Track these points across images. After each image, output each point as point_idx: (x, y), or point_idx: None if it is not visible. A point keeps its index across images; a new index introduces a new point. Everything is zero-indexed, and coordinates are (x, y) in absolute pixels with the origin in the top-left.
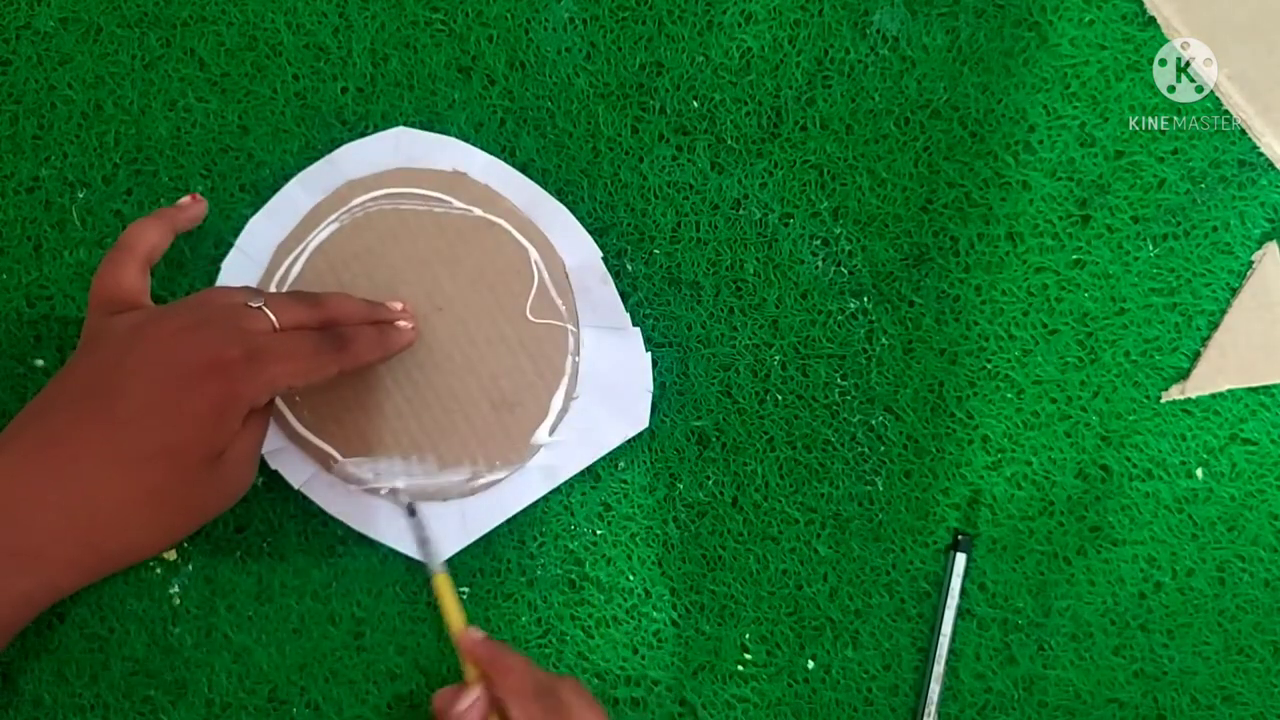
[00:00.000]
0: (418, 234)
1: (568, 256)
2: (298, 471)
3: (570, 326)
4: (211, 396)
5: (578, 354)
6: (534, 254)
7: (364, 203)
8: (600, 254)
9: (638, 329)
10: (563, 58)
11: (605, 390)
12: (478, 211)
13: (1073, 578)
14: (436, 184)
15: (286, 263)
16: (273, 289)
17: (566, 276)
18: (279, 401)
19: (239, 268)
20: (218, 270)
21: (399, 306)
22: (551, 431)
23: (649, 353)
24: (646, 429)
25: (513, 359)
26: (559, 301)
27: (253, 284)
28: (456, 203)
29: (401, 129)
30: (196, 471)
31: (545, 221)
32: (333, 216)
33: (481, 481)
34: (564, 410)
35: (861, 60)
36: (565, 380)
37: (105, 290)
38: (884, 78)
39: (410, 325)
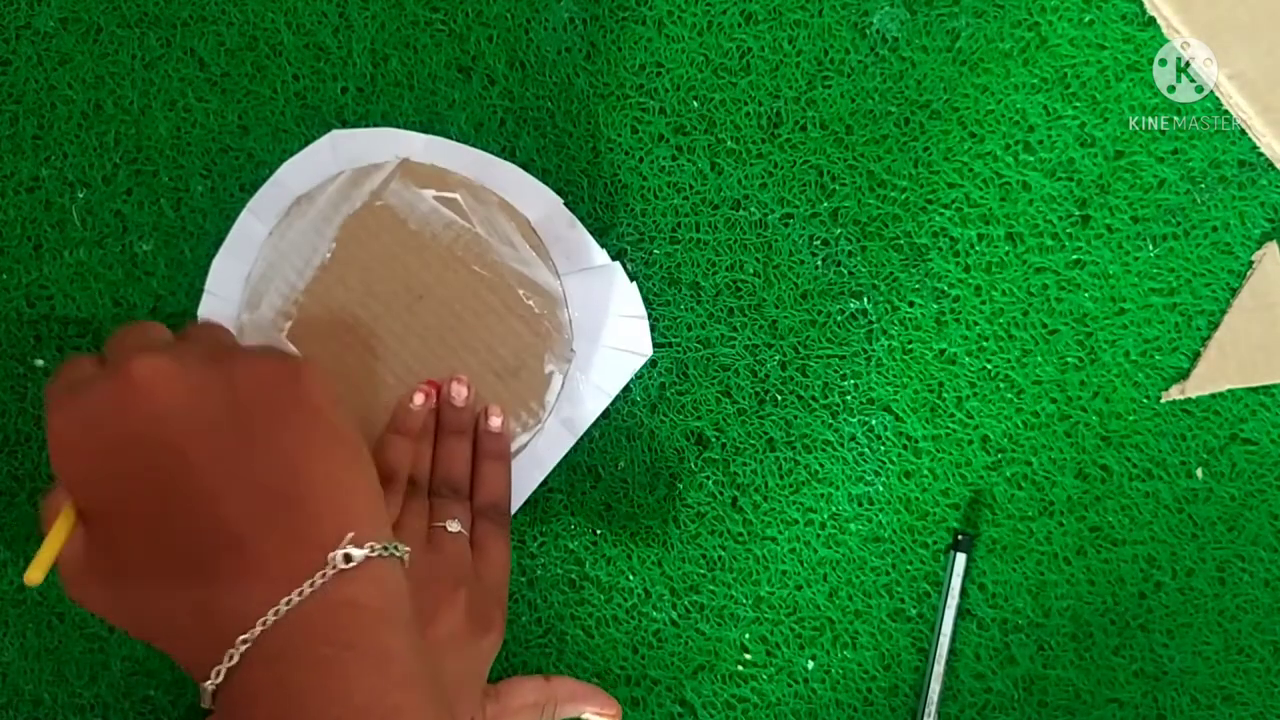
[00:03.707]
0: (378, 231)
1: (529, 211)
2: None
3: (552, 278)
4: None
5: (567, 303)
6: (498, 218)
7: (317, 219)
8: (561, 200)
9: (616, 263)
10: (563, 58)
11: (603, 330)
12: (431, 193)
13: (1073, 578)
14: (383, 178)
15: (267, 298)
16: (245, 316)
17: (534, 231)
18: None
19: (213, 312)
20: (214, 267)
21: (419, 400)
22: (562, 384)
23: (633, 282)
24: (649, 361)
25: (504, 325)
26: (534, 257)
27: (231, 322)
28: (408, 190)
29: (335, 132)
30: None
31: (499, 184)
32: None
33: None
34: (568, 360)
35: (861, 60)
36: (562, 331)
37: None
38: (884, 78)
39: (499, 419)
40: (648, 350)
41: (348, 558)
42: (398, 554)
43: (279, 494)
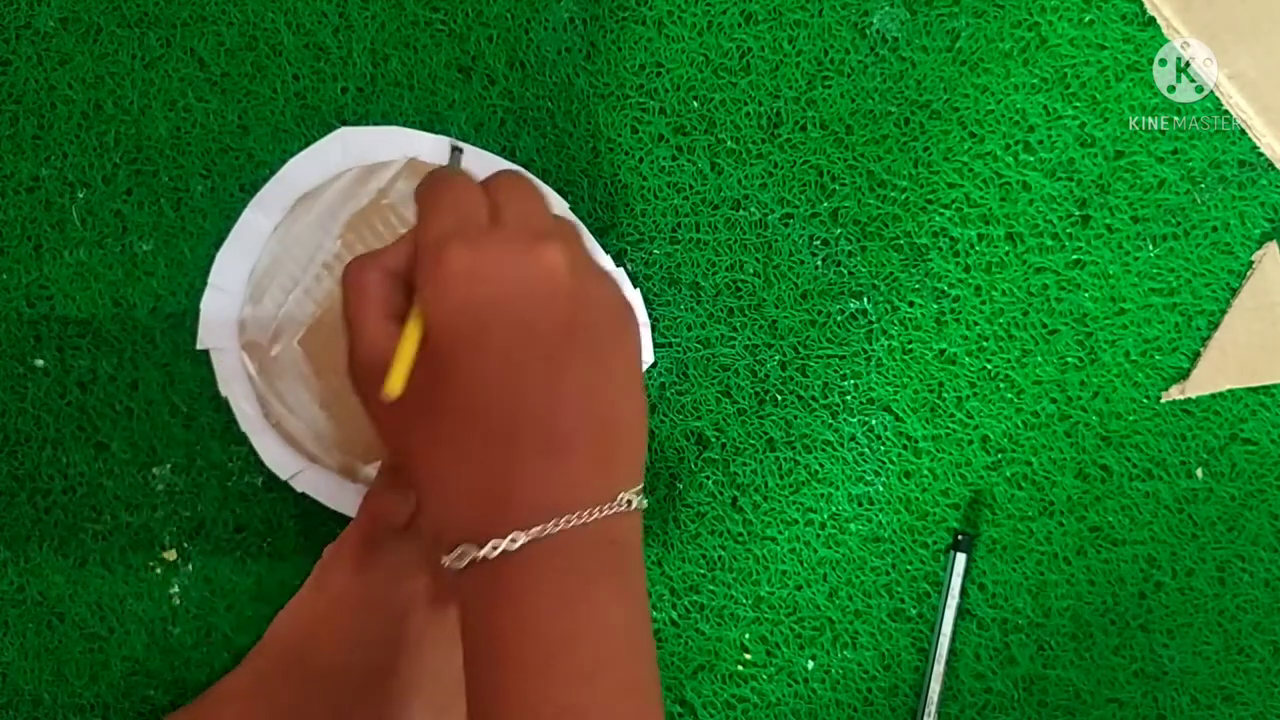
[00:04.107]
0: (383, 230)
1: None
2: (325, 490)
3: None
4: None
5: None
6: None
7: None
8: (566, 204)
9: (621, 269)
10: (563, 58)
11: None
12: None
13: (1073, 578)
14: (390, 176)
15: (270, 293)
16: (247, 310)
17: None
18: (294, 424)
19: (217, 306)
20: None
21: None
22: None
23: (636, 289)
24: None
25: None
26: None
27: (234, 318)
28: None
29: (344, 129)
30: None
31: None
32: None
33: None
34: None
35: (861, 60)
36: None
37: None
38: (884, 78)
39: None
40: (648, 358)
41: (630, 502)
42: (643, 508)
43: (605, 424)
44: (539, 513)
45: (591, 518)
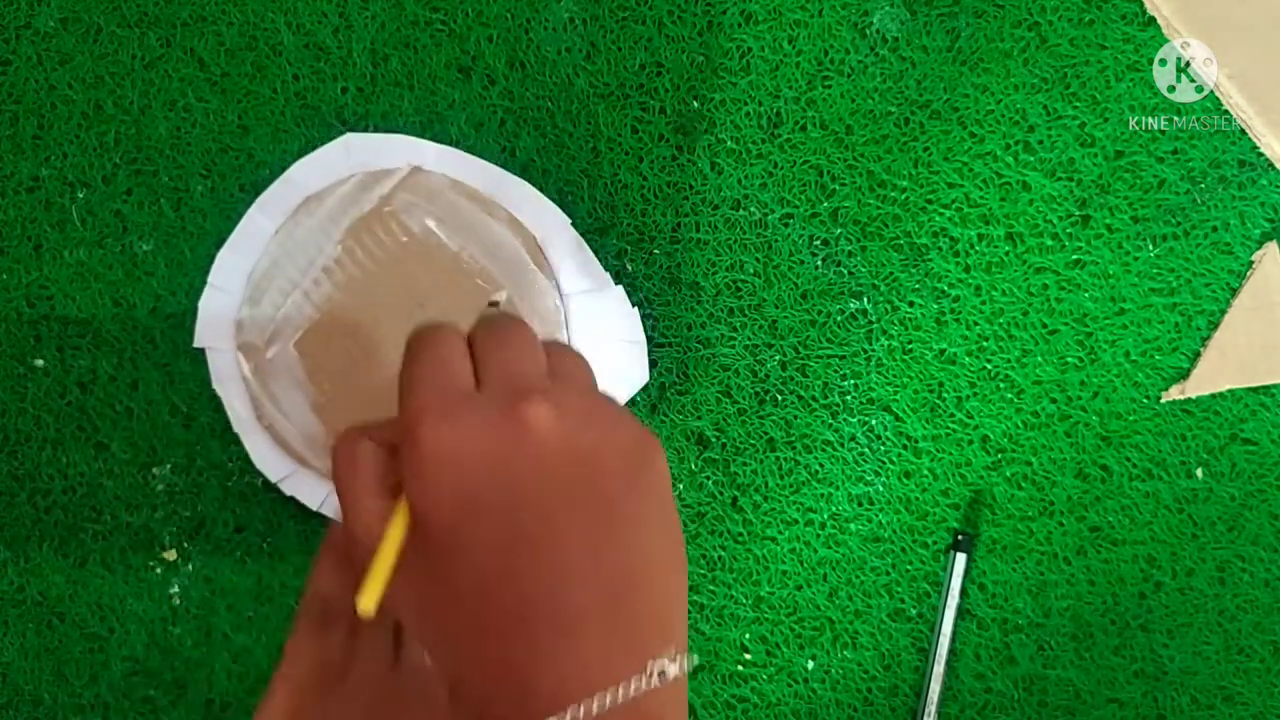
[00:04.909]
0: (383, 237)
1: (537, 229)
2: (314, 493)
3: (554, 298)
4: None
5: (567, 324)
6: (505, 233)
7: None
8: (569, 220)
9: (619, 287)
10: (563, 58)
11: (600, 354)
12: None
13: (1073, 578)
14: (394, 184)
15: (269, 295)
16: (245, 311)
17: (540, 249)
18: (286, 427)
19: (215, 305)
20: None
21: None
22: None
23: (635, 308)
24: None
25: None
26: (539, 275)
27: (231, 318)
28: (417, 199)
29: (350, 135)
30: None
31: (508, 199)
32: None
33: None
34: None
35: (861, 60)
36: None
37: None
38: (884, 78)
39: None
40: (645, 379)
41: (664, 673)
42: (691, 668)
43: (622, 587)
44: (559, 698)
45: (621, 696)
